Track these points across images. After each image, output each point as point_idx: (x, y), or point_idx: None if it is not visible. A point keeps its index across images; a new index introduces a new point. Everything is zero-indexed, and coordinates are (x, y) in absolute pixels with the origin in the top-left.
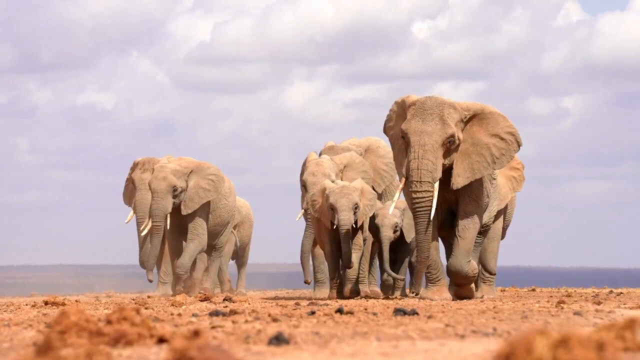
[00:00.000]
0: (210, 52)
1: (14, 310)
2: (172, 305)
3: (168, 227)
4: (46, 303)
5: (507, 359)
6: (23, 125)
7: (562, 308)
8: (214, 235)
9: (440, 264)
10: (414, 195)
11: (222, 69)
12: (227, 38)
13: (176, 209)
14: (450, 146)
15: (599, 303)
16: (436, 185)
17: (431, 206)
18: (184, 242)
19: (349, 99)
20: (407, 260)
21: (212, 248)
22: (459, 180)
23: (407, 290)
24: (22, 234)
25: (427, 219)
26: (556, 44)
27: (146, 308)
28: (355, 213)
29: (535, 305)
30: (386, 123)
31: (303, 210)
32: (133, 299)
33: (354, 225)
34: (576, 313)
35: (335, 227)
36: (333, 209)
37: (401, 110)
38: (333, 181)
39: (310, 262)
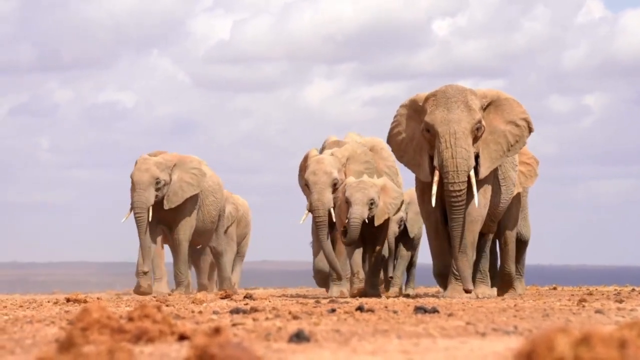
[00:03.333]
0: (229, 50)
1: (36, 307)
2: (193, 302)
3: (150, 219)
4: (68, 300)
5: (529, 357)
6: (44, 123)
7: (584, 306)
8: (206, 234)
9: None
10: (451, 188)
11: (241, 68)
12: (246, 36)
13: (158, 203)
14: (477, 133)
15: (621, 301)
16: (472, 173)
17: (468, 198)
18: (163, 240)
19: (368, 97)
20: (409, 255)
21: (210, 249)
22: (481, 170)
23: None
24: (44, 231)
25: (464, 212)
26: (577, 42)
27: (167, 305)
28: (371, 209)
29: (557, 304)
30: (392, 130)
31: (307, 212)
32: (154, 297)
33: (366, 221)
34: (598, 311)
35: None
36: (348, 203)
37: (412, 111)
38: (336, 179)
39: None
